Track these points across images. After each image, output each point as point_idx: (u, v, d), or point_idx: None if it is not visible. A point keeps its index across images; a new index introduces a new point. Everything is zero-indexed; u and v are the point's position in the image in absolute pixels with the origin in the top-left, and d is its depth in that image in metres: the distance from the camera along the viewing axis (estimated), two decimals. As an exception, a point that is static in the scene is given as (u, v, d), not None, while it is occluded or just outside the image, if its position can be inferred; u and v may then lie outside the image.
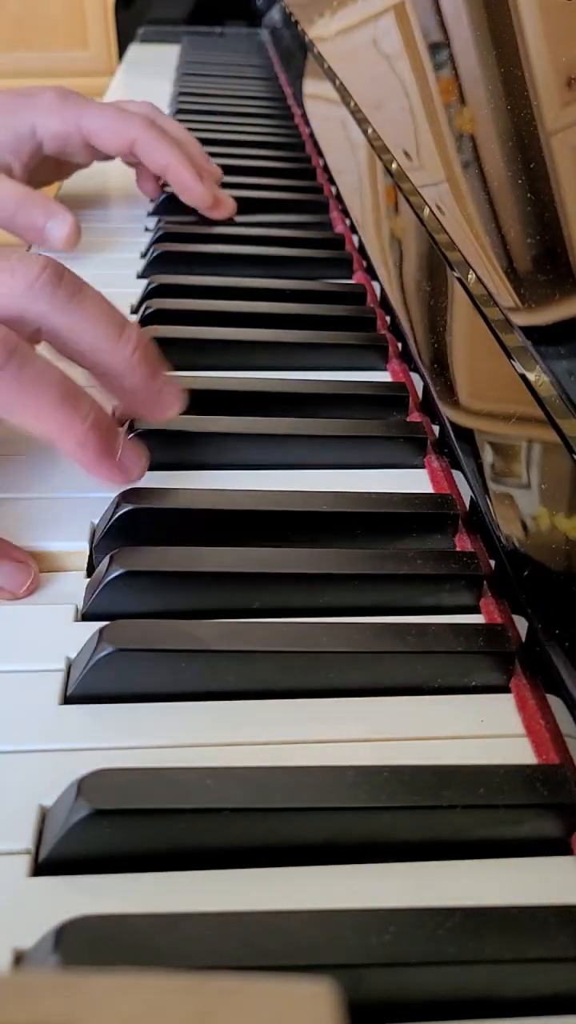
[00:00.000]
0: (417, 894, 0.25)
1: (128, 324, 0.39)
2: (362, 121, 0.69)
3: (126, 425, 0.43)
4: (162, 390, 0.40)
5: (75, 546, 0.38)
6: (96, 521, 0.39)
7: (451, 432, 0.42)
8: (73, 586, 0.36)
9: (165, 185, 0.72)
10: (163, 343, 0.51)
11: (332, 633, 0.32)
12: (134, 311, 0.58)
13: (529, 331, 0.37)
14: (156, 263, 0.63)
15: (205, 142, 0.86)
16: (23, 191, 0.61)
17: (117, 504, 0.38)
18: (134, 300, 0.59)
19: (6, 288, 0.37)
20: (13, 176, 0.64)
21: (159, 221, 0.70)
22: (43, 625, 0.34)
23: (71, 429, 0.36)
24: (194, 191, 0.67)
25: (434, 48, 0.58)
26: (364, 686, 0.32)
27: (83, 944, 0.22)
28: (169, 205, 0.71)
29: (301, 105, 1.01)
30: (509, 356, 0.38)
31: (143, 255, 0.66)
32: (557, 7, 0.43)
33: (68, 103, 0.65)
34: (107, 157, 0.69)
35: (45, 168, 0.70)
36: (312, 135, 0.91)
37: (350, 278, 0.64)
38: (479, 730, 0.31)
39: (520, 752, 0.30)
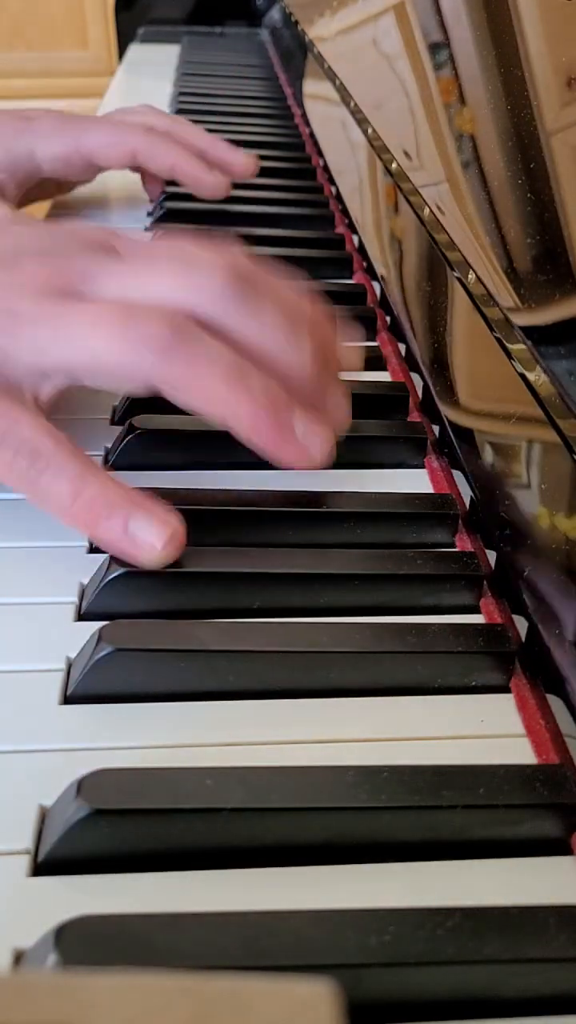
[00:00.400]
0: (417, 894, 0.25)
1: (301, 322, 0.38)
2: (362, 121, 0.69)
3: (127, 425, 0.43)
4: (333, 396, 0.39)
5: (74, 543, 0.38)
6: (96, 521, 0.39)
7: (451, 432, 0.42)
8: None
9: (168, 187, 0.72)
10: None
11: (332, 633, 0.32)
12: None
13: (529, 331, 0.37)
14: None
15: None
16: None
17: (117, 504, 0.38)
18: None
19: (193, 298, 0.37)
20: (5, 196, 0.64)
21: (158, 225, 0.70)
22: (43, 625, 0.34)
23: (241, 409, 0.36)
24: (205, 182, 0.67)
25: (434, 48, 0.58)
26: (364, 686, 0.32)
27: (83, 944, 0.22)
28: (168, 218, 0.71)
29: (301, 105, 1.01)
30: (509, 356, 0.38)
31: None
32: (557, 7, 0.43)
33: (67, 126, 0.66)
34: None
35: (44, 187, 0.70)
36: (312, 135, 0.91)
37: (350, 278, 0.64)
38: (479, 730, 0.31)
39: (520, 752, 0.30)
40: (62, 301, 0.36)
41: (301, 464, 0.37)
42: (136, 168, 0.70)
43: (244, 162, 0.71)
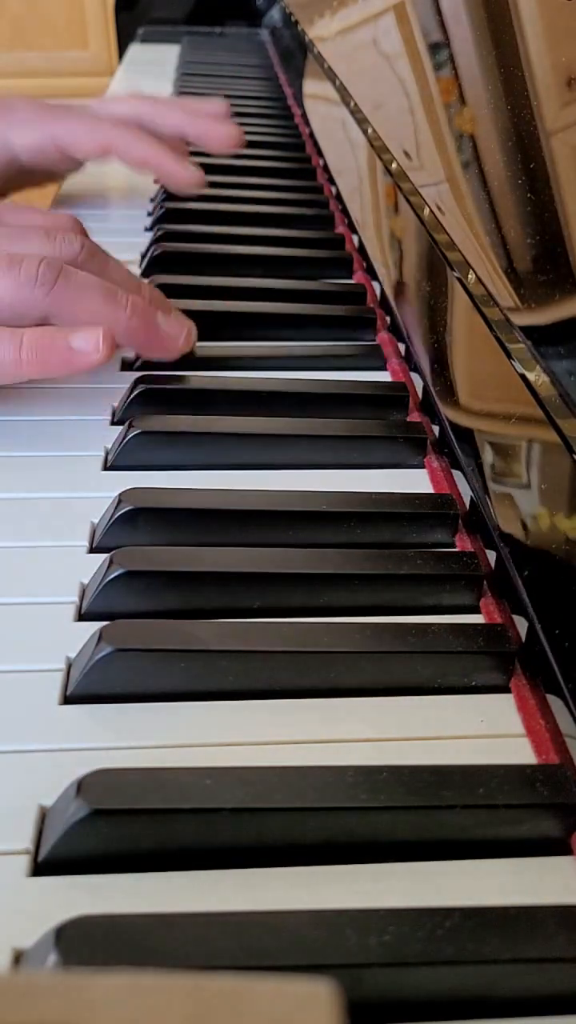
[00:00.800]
0: (416, 894, 0.25)
1: (141, 286, 0.49)
2: (362, 121, 0.69)
3: (127, 425, 0.43)
4: (156, 335, 0.48)
5: (74, 543, 0.38)
6: (96, 521, 0.39)
7: (451, 432, 0.42)
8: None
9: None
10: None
11: (332, 633, 0.32)
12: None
13: (529, 331, 0.37)
14: (156, 263, 0.63)
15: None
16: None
17: (117, 503, 0.38)
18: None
19: (58, 254, 0.46)
20: None
21: (158, 229, 0.70)
22: (43, 625, 0.34)
23: (118, 319, 0.45)
24: (178, 176, 0.69)
25: (434, 48, 0.58)
26: (364, 686, 0.32)
27: (83, 944, 0.22)
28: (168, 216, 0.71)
29: (301, 105, 1.01)
30: (509, 356, 0.38)
31: (143, 255, 0.66)
32: (557, 7, 0.42)
33: (43, 116, 0.67)
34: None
35: (31, 176, 0.71)
36: (312, 135, 0.91)
37: (350, 278, 0.64)
38: (479, 730, 0.31)
39: (520, 752, 0.30)
40: None
41: (171, 354, 0.48)
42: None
43: (225, 136, 0.72)
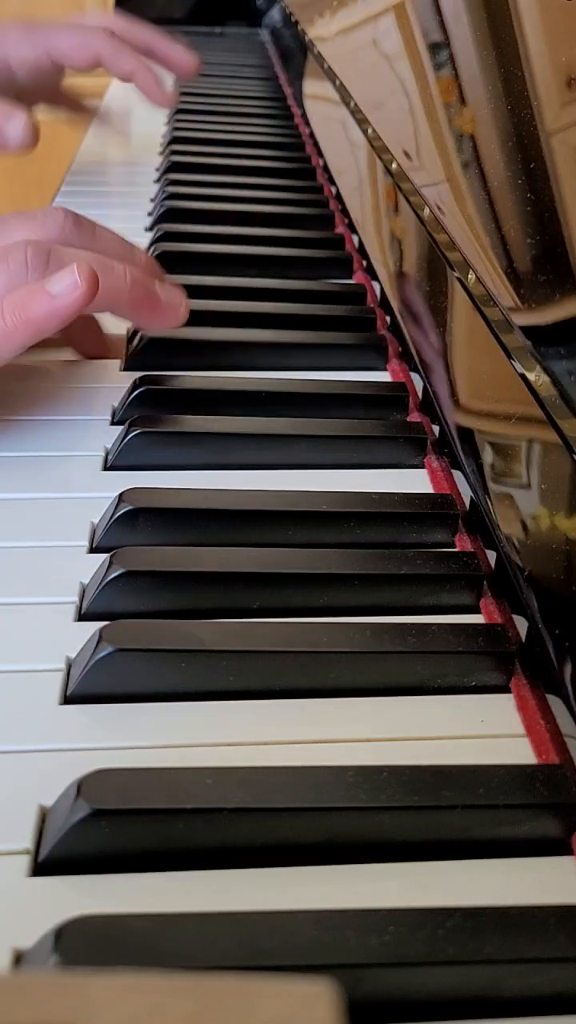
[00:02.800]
0: (417, 894, 0.25)
1: (134, 250, 0.49)
2: (362, 121, 0.69)
3: (127, 425, 0.43)
4: (158, 305, 0.47)
5: (74, 543, 0.38)
6: (96, 521, 0.39)
7: (451, 432, 0.42)
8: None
9: (168, 187, 0.72)
10: (163, 343, 0.51)
11: (332, 633, 0.32)
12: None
13: (529, 331, 0.37)
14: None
15: (205, 142, 0.86)
16: None
17: (117, 503, 0.38)
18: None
19: (43, 232, 0.46)
20: None
21: (158, 229, 0.70)
22: (43, 625, 0.34)
23: (118, 293, 0.45)
24: (156, 96, 0.78)
25: (434, 48, 0.58)
26: (364, 686, 0.32)
27: (83, 944, 0.22)
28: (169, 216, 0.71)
29: (301, 105, 1.01)
30: (509, 356, 0.38)
31: (143, 255, 0.66)
32: (557, 7, 0.42)
33: (35, 32, 0.74)
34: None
35: (21, 98, 0.73)
36: (312, 135, 0.91)
37: (350, 278, 0.64)
38: (479, 730, 0.31)
39: (520, 752, 0.30)
40: None
41: (173, 323, 0.47)
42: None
43: (187, 59, 0.83)
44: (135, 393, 0.46)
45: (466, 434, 0.41)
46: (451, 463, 0.43)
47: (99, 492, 0.40)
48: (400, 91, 0.62)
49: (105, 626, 0.32)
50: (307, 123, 0.95)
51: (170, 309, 0.47)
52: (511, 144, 0.42)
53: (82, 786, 0.26)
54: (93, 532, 0.39)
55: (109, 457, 0.43)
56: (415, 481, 0.43)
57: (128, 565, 0.34)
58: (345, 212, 0.72)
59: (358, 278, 0.64)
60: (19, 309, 0.41)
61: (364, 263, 0.64)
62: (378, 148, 0.63)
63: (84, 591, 0.36)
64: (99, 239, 0.47)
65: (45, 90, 0.79)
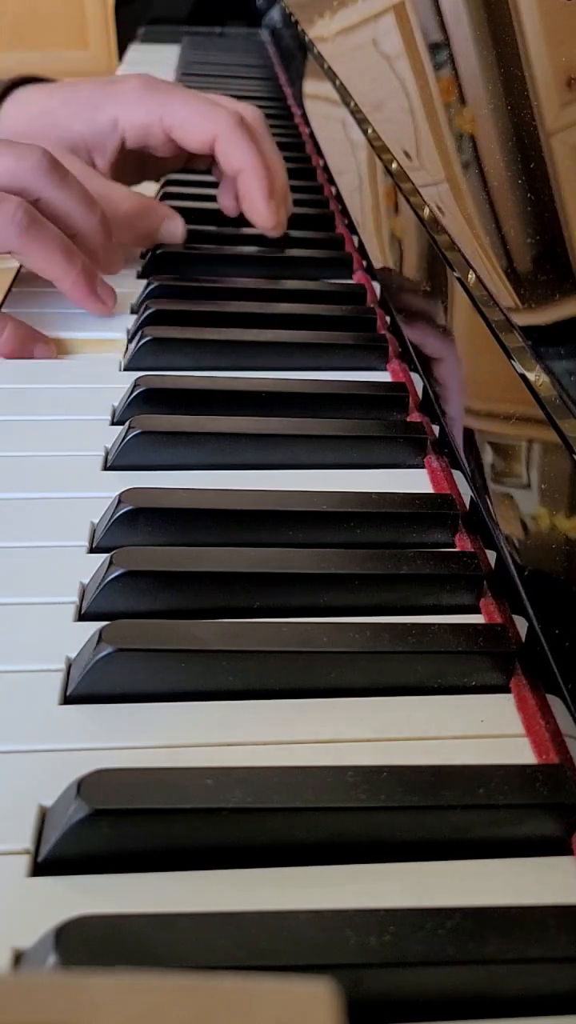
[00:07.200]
0: (417, 894, 0.25)
1: (94, 206, 0.55)
2: (362, 121, 0.69)
3: (127, 425, 0.43)
4: (113, 255, 0.58)
5: (74, 543, 0.38)
6: (96, 521, 0.39)
7: (451, 432, 0.42)
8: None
9: (167, 187, 0.72)
10: (163, 343, 0.51)
11: (332, 633, 0.32)
12: (134, 311, 0.58)
13: (529, 331, 0.37)
14: (156, 263, 0.63)
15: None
16: (140, 200, 0.63)
17: (117, 504, 0.38)
18: (134, 300, 0.59)
19: (16, 167, 0.51)
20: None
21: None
22: (43, 625, 0.34)
23: (69, 273, 0.53)
24: (257, 206, 0.62)
25: (434, 48, 0.58)
26: (364, 686, 0.32)
27: (83, 944, 0.22)
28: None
29: (301, 105, 1.01)
30: (509, 356, 0.38)
31: (143, 255, 0.66)
32: (557, 7, 0.42)
33: (153, 92, 0.62)
34: (192, 156, 0.66)
35: (130, 166, 0.67)
36: (312, 135, 0.91)
37: (350, 278, 0.64)
38: (479, 730, 0.31)
39: (520, 752, 0.30)
40: None
41: (100, 311, 0.56)
42: (213, 169, 0.66)
43: (269, 218, 0.63)
44: (135, 393, 0.46)
45: (466, 434, 0.41)
46: (451, 463, 0.43)
47: (99, 492, 0.40)
48: (400, 91, 0.62)
49: (105, 626, 0.32)
50: (307, 123, 0.95)
51: (99, 304, 0.56)
52: (511, 144, 0.42)
53: (82, 786, 0.26)
54: (93, 532, 0.39)
55: (109, 457, 0.43)
56: (415, 481, 0.43)
57: (128, 565, 0.34)
58: (345, 212, 0.72)
59: (358, 278, 0.64)
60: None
61: (364, 263, 0.64)
62: (378, 148, 0.63)
63: (84, 591, 0.36)
64: (67, 186, 0.53)
65: (154, 162, 0.68)
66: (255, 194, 0.62)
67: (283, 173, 0.65)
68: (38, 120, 0.64)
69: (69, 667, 0.32)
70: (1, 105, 0.66)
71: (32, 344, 0.53)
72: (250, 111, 0.66)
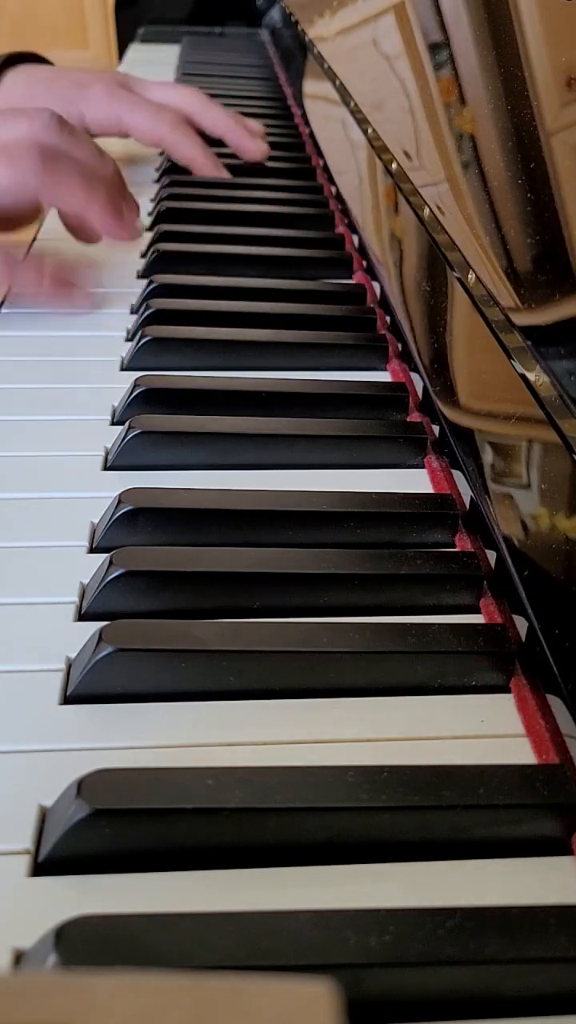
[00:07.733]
0: (417, 894, 0.25)
1: (105, 158, 0.59)
2: (362, 121, 0.69)
3: (127, 425, 0.43)
4: (133, 200, 0.61)
5: (74, 543, 0.38)
6: (96, 521, 0.39)
7: (451, 432, 0.42)
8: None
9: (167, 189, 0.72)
10: (163, 343, 0.51)
11: (332, 633, 0.32)
12: (134, 311, 0.58)
13: (529, 331, 0.37)
14: (156, 263, 0.63)
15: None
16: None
17: (117, 504, 0.38)
18: (134, 300, 0.59)
19: (31, 127, 0.56)
20: None
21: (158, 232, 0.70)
22: (43, 625, 0.34)
23: (94, 202, 0.57)
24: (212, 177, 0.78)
25: (434, 48, 0.58)
26: (364, 686, 0.32)
27: (83, 944, 0.22)
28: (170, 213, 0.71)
29: (301, 105, 1.01)
30: (509, 356, 0.38)
31: (143, 255, 0.66)
32: (557, 7, 0.42)
33: (114, 98, 0.76)
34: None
35: None
36: (312, 135, 0.91)
37: (350, 278, 0.64)
38: (479, 730, 0.31)
39: (520, 752, 0.30)
40: None
41: (127, 237, 0.59)
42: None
43: (254, 150, 0.82)
44: (135, 393, 0.46)
45: (466, 434, 0.41)
46: (451, 463, 0.43)
47: (99, 492, 0.40)
48: (400, 91, 0.62)
49: (105, 626, 0.32)
50: (307, 123, 0.95)
51: (128, 227, 0.59)
52: (511, 144, 0.42)
53: (82, 786, 0.26)
54: (93, 532, 0.39)
55: (109, 457, 0.43)
56: (415, 481, 0.43)
57: (128, 565, 0.34)
58: (345, 212, 0.72)
59: (358, 278, 0.64)
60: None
61: (364, 263, 0.64)
62: (378, 148, 0.63)
63: (84, 591, 0.36)
64: (79, 139, 0.58)
65: None
66: (209, 175, 0.78)
67: (226, 124, 0.81)
68: (21, 103, 0.75)
69: (69, 667, 0.32)
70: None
71: (71, 288, 0.57)
72: (186, 98, 0.81)
